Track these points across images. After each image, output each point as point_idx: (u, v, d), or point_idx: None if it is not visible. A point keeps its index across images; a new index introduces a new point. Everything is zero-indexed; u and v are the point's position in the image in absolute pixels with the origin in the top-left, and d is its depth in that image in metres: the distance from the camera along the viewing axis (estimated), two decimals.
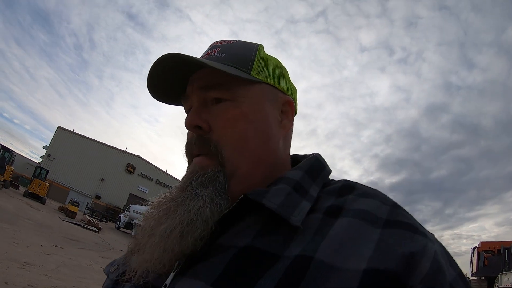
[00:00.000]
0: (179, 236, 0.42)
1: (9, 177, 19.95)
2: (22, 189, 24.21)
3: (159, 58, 0.48)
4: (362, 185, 0.47)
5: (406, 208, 0.43)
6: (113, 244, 13.23)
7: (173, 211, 0.45)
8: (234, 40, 0.55)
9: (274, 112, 0.53)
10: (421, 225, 0.41)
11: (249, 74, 0.50)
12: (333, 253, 0.36)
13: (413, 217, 0.42)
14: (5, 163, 18.97)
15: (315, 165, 0.52)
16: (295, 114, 0.57)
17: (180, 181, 0.51)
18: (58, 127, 36.74)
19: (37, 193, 21.45)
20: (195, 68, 0.51)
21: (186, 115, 0.53)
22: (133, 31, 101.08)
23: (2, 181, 18.36)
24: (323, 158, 0.55)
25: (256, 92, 0.51)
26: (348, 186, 0.47)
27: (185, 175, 0.51)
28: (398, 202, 0.43)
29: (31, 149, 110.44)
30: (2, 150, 19.37)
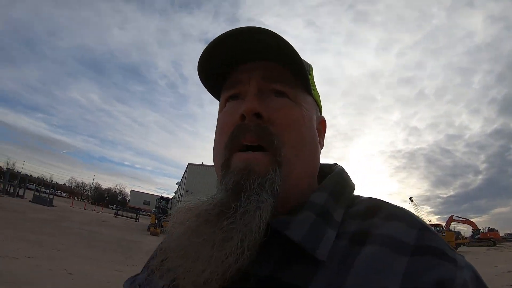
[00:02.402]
0: (234, 261, 0.37)
1: None
2: None
3: (240, 28, 0.44)
4: (388, 203, 0.45)
5: None
6: None
7: (227, 232, 0.38)
8: None
9: (315, 128, 0.52)
10: (451, 249, 0.39)
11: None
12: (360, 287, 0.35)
13: (442, 240, 0.39)
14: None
15: (339, 183, 0.49)
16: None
17: (223, 177, 0.44)
18: (188, 164, 42.86)
19: None
20: (261, 56, 0.47)
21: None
22: None
23: None
24: (346, 172, 0.53)
25: (309, 102, 0.52)
26: (373, 207, 0.44)
27: (234, 169, 0.44)
28: None
29: (158, 186, 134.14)
30: (163, 201, 23.30)
